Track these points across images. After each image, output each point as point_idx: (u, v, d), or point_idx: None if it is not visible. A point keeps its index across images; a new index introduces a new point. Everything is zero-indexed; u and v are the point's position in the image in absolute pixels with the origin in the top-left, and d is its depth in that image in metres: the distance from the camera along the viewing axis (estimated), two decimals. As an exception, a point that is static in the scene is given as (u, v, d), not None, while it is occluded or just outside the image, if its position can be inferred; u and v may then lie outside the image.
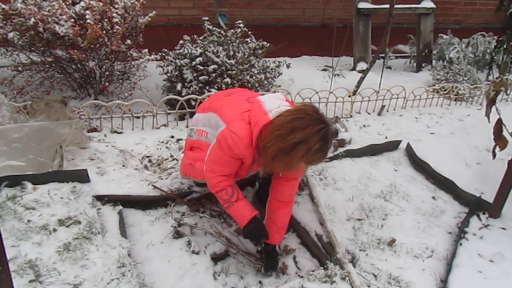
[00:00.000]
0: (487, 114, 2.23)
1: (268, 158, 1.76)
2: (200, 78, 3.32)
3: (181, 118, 3.34)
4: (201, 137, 2.12)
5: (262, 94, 3.28)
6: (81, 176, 2.28)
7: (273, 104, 1.84)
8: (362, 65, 4.92)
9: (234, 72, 3.37)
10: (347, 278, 1.94)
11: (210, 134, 2.07)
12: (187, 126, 3.21)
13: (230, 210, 1.97)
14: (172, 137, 3.02)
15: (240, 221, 1.98)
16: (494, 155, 2.27)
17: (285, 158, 1.71)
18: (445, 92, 4.17)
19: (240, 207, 1.96)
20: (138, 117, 3.14)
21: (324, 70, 4.85)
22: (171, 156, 2.77)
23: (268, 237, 2.03)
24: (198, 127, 2.17)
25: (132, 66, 3.52)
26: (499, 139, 2.20)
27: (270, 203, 2.12)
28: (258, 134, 1.79)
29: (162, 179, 2.50)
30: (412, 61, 5.43)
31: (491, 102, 2.21)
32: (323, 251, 2.15)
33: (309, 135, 1.66)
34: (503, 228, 2.32)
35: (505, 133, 2.20)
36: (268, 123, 1.76)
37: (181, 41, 3.58)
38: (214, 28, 3.66)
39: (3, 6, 2.95)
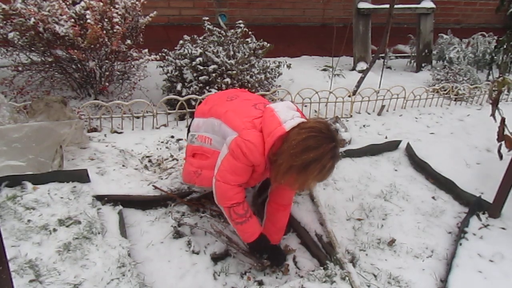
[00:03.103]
0: (493, 114, 2.22)
1: (280, 173, 1.76)
2: (200, 78, 3.32)
3: (181, 118, 3.34)
4: (205, 144, 2.06)
5: (263, 95, 3.33)
6: (81, 176, 2.28)
7: (287, 114, 1.81)
8: (362, 65, 4.93)
9: (234, 72, 3.37)
10: (347, 278, 1.94)
11: (214, 141, 2.01)
12: (187, 126, 3.20)
13: (243, 226, 1.92)
14: (172, 137, 3.02)
15: (249, 236, 1.96)
16: (501, 156, 2.27)
17: (297, 176, 1.73)
18: (445, 92, 4.17)
19: (253, 223, 1.95)
20: (138, 117, 3.14)
21: (324, 70, 4.85)
22: (171, 156, 2.77)
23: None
24: (200, 133, 2.10)
25: (132, 66, 3.52)
26: (506, 139, 2.20)
27: (269, 205, 2.11)
28: (271, 144, 1.77)
29: (162, 179, 2.50)
30: (412, 61, 5.43)
31: (495, 101, 2.21)
32: (323, 251, 2.15)
33: (323, 153, 1.68)
34: (503, 228, 2.32)
35: (507, 133, 2.20)
36: (282, 134, 1.75)
37: (181, 41, 3.58)
38: (214, 28, 3.66)
39: (3, 6, 2.95)
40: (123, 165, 2.60)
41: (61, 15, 2.96)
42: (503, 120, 2.20)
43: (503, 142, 2.26)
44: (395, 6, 3.93)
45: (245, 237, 1.98)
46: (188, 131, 2.26)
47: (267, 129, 1.78)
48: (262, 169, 1.88)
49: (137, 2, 3.32)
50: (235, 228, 1.97)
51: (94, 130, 3.02)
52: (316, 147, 1.68)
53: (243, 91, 2.32)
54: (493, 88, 2.23)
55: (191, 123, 2.25)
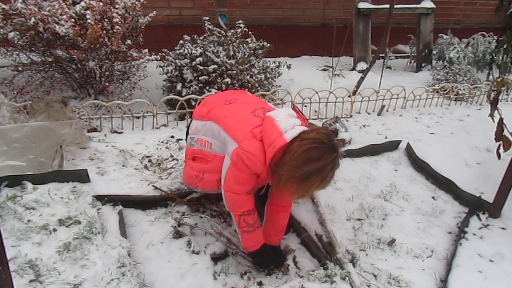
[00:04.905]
0: (491, 114, 2.22)
1: (281, 183, 1.77)
2: (200, 78, 3.32)
3: (181, 118, 3.34)
4: (205, 148, 2.05)
5: (263, 95, 3.33)
6: (81, 176, 2.28)
7: (288, 123, 1.79)
8: (362, 65, 4.92)
9: (234, 72, 3.37)
10: (347, 278, 1.94)
11: (215, 145, 2.01)
12: (187, 126, 3.20)
13: (249, 235, 1.95)
14: (172, 137, 3.03)
15: (252, 246, 1.99)
16: (499, 156, 2.27)
17: (298, 186, 1.73)
18: (445, 92, 4.17)
19: (259, 234, 1.99)
20: (138, 117, 3.14)
21: (324, 70, 4.85)
22: (171, 156, 2.77)
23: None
24: (199, 136, 2.09)
25: (132, 66, 3.52)
26: (503, 140, 2.20)
27: (269, 206, 2.11)
28: (273, 155, 1.76)
29: (162, 179, 2.50)
30: (412, 61, 5.43)
31: (495, 102, 2.21)
32: (323, 251, 2.15)
33: (324, 165, 1.69)
34: (503, 228, 2.32)
35: (506, 133, 2.20)
36: (283, 145, 1.74)
37: (181, 41, 3.58)
38: (214, 28, 3.66)
39: (3, 6, 2.95)
40: (123, 165, 2.60)
41: (61, 15, 2.96)
42: (501, 120, 2.19)
43: (501, 142, 2.26)
44: (395, 6, 3.93)
45: (248, 245, 2.00)
46: (187, 133, 2.26)
47: (268, 139, 1.78)
48: (264, 175, 1.89)
49: (137, 2, 3.32)
50: (241, 235, 1.98)
51: (94, 130, 3.02)
52: (318, 159, 1.68)
53: (242, 92, 2.31)
54: (492, 89, 2.23)
55: (189, 125, 2.25)
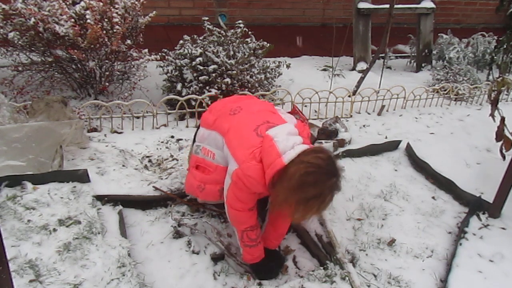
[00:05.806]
0: (492, 114, 2.22)
1: (276, 204, 1.77)
2: (200, 78, 3.32)
3: (181, 118, 3.34)
4: (207, 157, 2.04)
5: (263, 95, 3.32)
6: (81, 176, 2.28)
7: (287, 144, 1.75)
8: (362, 65, 4.93)
9: (234, 72, 3.37)
10: (347, 278, 1.94)
11: (218, 156, 2.00)
12: (187, 126, 3.21)
13: (251, 249, 1.97)
14: (172, 137, 3.03)
15: (253, 259, 2.00)
16: (503, 156, 2.27)
17: (296, 208, 1.71)
18: (445, 92, 4.17)
19: (261, 248, 2.01)
20: (138, 117, 3.14)
21: (324, 70, 4.85)
22: (171, 156, 2.77)
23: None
24: (204, 145, 2.08)
25: (132, 66, 3.52)
26: (504, 140, 2.20)
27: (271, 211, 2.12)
28: (271, 177, 1.74)
29: (162, 179, 2.50)
30: (412, 61, 5.43)
31: (495, 101, 2.21)
32: (323, 251, 2.15)
33: (322, 191, 1.66)
34: (503, 228, 2.32)
35: (506, 133, 2.20)
36: (281, 168, 1.71)
37: (181, 41, 3.58)
38: (214, 28, 3.66)
39: (3, 6, 2.95)
40: (123, 165, 2.60)
41: (61, 15, 2.96)
42: (502, 119, 2.19)
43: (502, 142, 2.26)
44: (395, 6, 3.93)
45: (248, 258, 2.01)
46: (194, 140, 2.23)
47: (267, 160, 1.75)
48: (266, 193, 1.89)
49: (136, 2, 3.32)
50: (242, 249, 1.99)
51: (94, 130, 3.02)
52: (315, 184, 1.64)
53: (248, 99, 2.27)
54: (493, 88, 2.24)
55: (196, 131, 2.22)
